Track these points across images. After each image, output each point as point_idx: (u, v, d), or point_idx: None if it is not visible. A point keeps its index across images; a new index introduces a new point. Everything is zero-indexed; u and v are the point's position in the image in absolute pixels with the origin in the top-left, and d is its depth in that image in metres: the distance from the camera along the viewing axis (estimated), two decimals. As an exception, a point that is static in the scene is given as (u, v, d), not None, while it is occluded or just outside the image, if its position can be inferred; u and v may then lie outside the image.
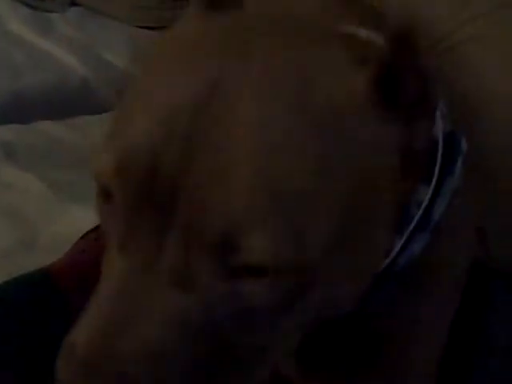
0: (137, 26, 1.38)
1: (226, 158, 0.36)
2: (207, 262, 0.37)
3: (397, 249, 0.49)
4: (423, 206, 0.49)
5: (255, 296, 0.37)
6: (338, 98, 0.40)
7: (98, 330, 0.38)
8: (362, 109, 0.40)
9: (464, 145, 0.49)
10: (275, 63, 0.40)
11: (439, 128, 0.48)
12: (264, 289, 0.37)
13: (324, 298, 0.41)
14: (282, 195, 0.36)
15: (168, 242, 0.37)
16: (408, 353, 0.55)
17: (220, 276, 0.37)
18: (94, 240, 0.74)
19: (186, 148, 0.37)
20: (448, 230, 0.51)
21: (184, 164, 0.37)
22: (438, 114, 0.48)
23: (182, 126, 0.38)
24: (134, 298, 0.37)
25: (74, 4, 1.41)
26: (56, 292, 0.69)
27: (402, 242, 0.49)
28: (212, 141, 0.37)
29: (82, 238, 0.76)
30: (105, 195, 0.40)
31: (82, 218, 0.82)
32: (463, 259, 0.57)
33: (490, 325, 0.63)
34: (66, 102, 1.14)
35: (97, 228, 0.77)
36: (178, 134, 0.37)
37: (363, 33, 0.47)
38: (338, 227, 0.39)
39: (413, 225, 0.49)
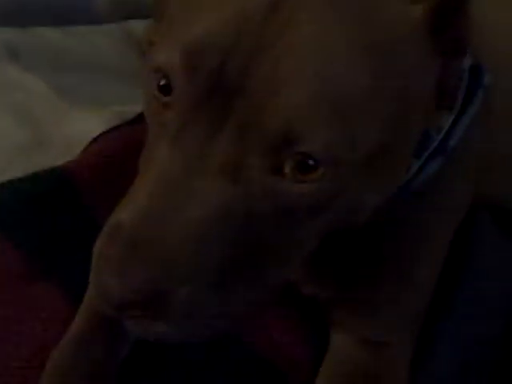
0: None
1: (291, 62, 0.39)
2: (260, 155, 0.40)
3: (414, 169, 0.53)
4: (443, 131, 0.53)
5: (299, 194, 0.41)
6: (396, 20, 0.43)
7: (146, 212, 0.40)
8: (415, 34, 0.44)
9: (487, 79, 0.54)
10: None
11: (466, 60, 0.52)
12: (309, 187, 0.41)
13: (350, 203, 0.44)
14: (340, 99, 0.40)
15: (223, 135, 0.40)
16: (411, 273, 0.59)
17: (269, 170, 0.40)
18: (107, 142, 0.77)
19: (254, 50, 0.40)
20: (457, 156, 0.56)
21: (250, 64, 0.40)
22: None
23: (252, 28, 0.40)
24: (183, 182, 0.40)
25: None
26: (69, 186, 0.71)
27: (421, 163, 0.53)
28: (279, 45, 0.40)
29: (93, 141, 0.78)
30: (163, 88, 0.42)
31: (89, 122, 0.84)
32: (468, 183, 0.62)
33: (477, 251, 0.68)
34: (66, 8, 1.12)
35: (107, 132, 0.80)
36: (247, 34, 0.40)
37: None
38: (383, 136, 0.43)
39: (431, 148, 0.53)
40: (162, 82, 0.42)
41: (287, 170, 0.40)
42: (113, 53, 1.02)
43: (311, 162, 0.40)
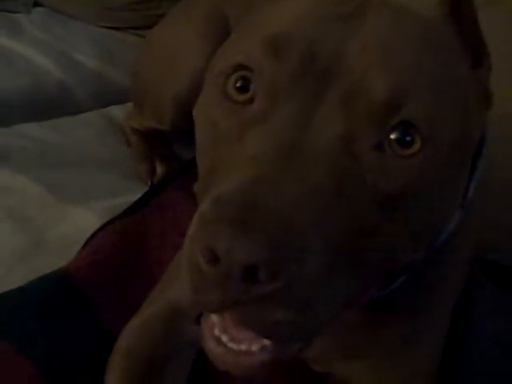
0: (101, 27, 1.39)
1: (379, 46, 0.44)
2: (366, 125, 0.42)
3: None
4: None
5: (398, 169, 0.43)
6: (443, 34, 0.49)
7: (256, 179, 0.38)
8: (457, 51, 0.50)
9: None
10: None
11: None
12: (406, 163, 0.43)
13: (430, 199, 0.45)
14: (433, 79, 0.44)
15: (324, 108, 0.42)
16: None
17: (372, 145, 0.42)
18: (103, 239, 0.78)
19: (340, 37, 0.44)
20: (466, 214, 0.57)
21: (340, 48, 0.44)
22: None
23: (333, 23, 0.45)
24: (290, 153, 0.40)
25: (36, 4, 1.41)
26: (75, 290, 0.71)
27: None
28: (363, 33, 0.45)
29: (90, 238, 0.80)
30: (240, 88, 0.45)
31: (83, 217, 0.86)
32: (471, 247, 0.64)
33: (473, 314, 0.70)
34: (42, 103, 1.15)
35: (103, 227, 0.81)
36: (331, 25, 0.45)
37: None
38: (457, 131, 0.45)
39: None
40: (239, 84, 0.46)
41: (387, 146, 0.42)
42: (97, 143, 1.05)
43: (408, 139, 0.42)
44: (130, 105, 1.13)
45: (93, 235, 0.80)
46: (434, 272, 0.58)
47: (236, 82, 0.46)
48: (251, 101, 0.45)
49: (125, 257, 0.76)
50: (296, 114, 0.42)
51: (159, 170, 1.01)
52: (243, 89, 0.45)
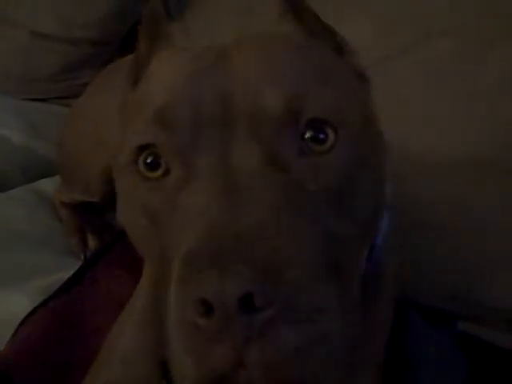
0: (25, 99, 1.37)
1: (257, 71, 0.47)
2: (280, 138, 0.44)
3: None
4: None
5: (326, 166, 0.45)
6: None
7: (220, 220, 0.39)
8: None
9: None
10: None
11: None
12: (330, 156, 0.45)
13: (367, 180, 0.47)
14: (319, 73, 0.49)
15: (238, 141, 0.44)
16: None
17: (296, 150, 0.44)
18: (36, 323, 0.76)
19: (216, 76, 0.47)
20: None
21: (222, 86, 0.46)
22: None
23: (204, 73, 0.48)
24: (238, 185, 0.41)
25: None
26: (8, 380, 0.69)
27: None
28: (235, 64, 0.48)
29: (20, 324, 0.77)
30: (150, 165, 0.46)
31: (14, 301, 0.83)
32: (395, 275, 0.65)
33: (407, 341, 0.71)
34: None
35: (33, 312, 0.78)
36: (204, 76, 0.48)
37: None
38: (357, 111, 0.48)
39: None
40: (149, 159, 0.46)
41: (308, 149, 0.45)
42: (26, 220, 1.02)
43: (322, 135, 0.45)
44: (59, 177, 1.12)
45: (24, 320, 0.77)
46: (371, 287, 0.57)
47: (145, 161, 0.47)
48: (168, 171, 0.46)
49: (59, 339, 0.74)
50: (215, 164, 0.44)
51: (91, 242, 1.00)
52: (154, 164, 0.46)
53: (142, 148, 0.47)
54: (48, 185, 1.15)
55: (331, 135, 0.45)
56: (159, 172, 0.46)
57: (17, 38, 1.34)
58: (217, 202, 0.40)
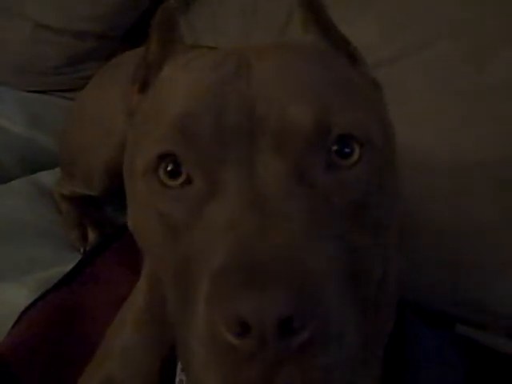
0: (29, 91, 1.37)
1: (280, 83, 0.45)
2: (309, 154, 0.43)
3: None
4: None
5: (351, 181, 0.44)
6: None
7: (246, 240, 0.38)
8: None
9: None
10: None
11: None
12: (354, 172, 0.44)
13: (386, 199, 0.47)
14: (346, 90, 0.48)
15: (263, 159, 0.43)
16: None
17: (323, 165, 0.43)
18: (35, 315, 0.76)
19: (239, 86, 0.45)
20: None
21: (246, 97, 0.44)
22: None
23: (221, 74, 0.47)
24: (267, 201, 0.40)
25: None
26: (6, 372, 0.69)
27: None
28: (257, 77, 0.46)
29: (20, 317, 0.77)
30: (171, 173, 0.45)
31: (14, 293, 0.83)
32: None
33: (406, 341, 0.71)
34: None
35: (32, 305, 0.79)
36: (225, 87, 0.46)
37: None
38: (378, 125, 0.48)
39: None
40: (170, 167, 0.45)
41: (335, 163, 0.44)
42: (26, 212, 1.02)
43: (348, 150, 0.44)
44: (59, 170, 1.11)
45: (23, 313, 0.77)
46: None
47: (166, 169, 0.45)
48: (189, 181, 0.45)
49: (58, 333, 0.74)
50: (242, 178, 0.42)
51: (91, 236, 1.00)
52: (175, 173, 0.45)
53: (163, 157, 0.45)
54: (48, 177, 1.15)
55: (357, 149, 0.44)
56: (180, 180, 0.45)
57: (21, 30, 1.34)
58: (246, 217, 0.40)
